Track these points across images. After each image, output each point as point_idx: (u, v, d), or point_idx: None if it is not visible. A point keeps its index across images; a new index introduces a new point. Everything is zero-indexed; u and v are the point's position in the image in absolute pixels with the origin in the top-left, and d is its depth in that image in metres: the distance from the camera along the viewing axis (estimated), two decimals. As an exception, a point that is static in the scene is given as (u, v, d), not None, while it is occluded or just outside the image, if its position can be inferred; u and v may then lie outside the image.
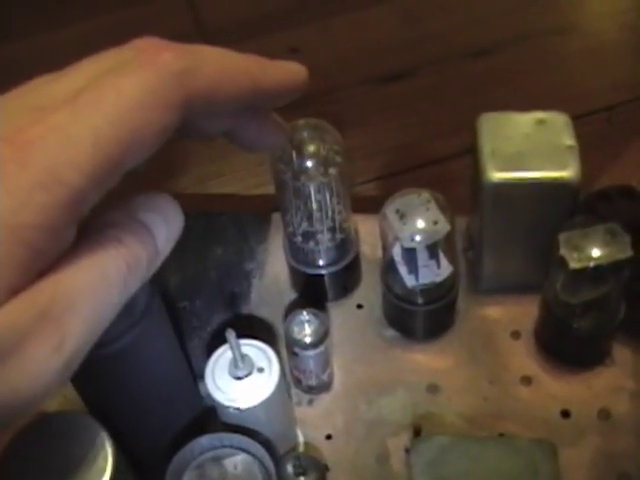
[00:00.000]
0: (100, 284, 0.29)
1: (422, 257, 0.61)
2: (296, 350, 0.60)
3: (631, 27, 1.10)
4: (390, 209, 0.60)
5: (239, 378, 0.53)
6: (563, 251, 0.57)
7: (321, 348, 0.60)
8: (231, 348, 0.52)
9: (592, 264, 0.56)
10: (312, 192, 0.61)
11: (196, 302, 0.71)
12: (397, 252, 0.62)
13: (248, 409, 0.52)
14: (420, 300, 0.64)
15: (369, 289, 0.69)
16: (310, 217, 0.62)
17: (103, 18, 1.14)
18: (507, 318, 0.67)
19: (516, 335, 0.66)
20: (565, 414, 0.62)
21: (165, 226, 0.33)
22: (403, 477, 0.59)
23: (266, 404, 0.52)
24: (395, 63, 1.01)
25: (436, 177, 0.85)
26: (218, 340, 0.55)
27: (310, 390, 0.64)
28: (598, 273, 0.57)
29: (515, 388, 0.64)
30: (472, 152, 0.63)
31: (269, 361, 0.54)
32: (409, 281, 0.62)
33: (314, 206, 0.62)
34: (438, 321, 0.66)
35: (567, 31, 1.08)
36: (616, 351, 0.64)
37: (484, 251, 0.65)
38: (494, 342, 0.66)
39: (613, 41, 1.08)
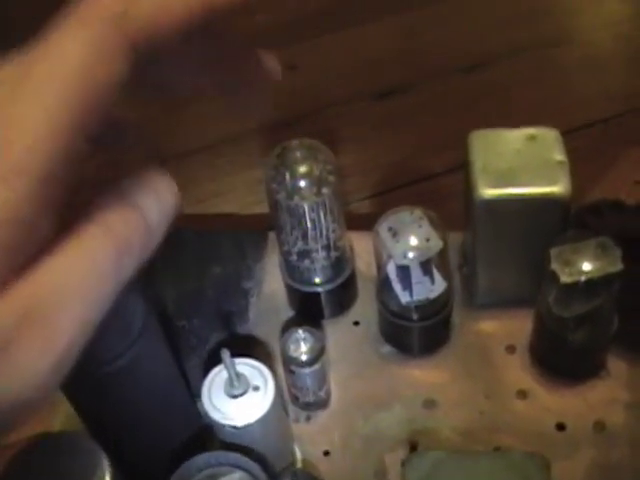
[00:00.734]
0: (89, 275, 0.27)
1: (416, 274, 0.61)
2: (293, 368, 0.61)
3: (625, 38, 1.11)
4: (383, 227, 0.61)
5: (235, 397, 0.54)
6: (554, 265, 0.57)
7: (317, 365, 0.61)
8: (226, 367, 0.53)
9: (583, 278, 0.57)
10: (306, 211, 0.61)
11: (194, 321, 0.72)
12: (391, 269, 0.63)
13: (244, 427, 0.53)
14: (415, 316, 0.64)
15: (365, 306, 0.70)
16: (305, 236, 0.63)
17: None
18: (502, 332, 0.68)
19: (511, 349, 0.67)
20: (560, 427, 0.62)
21: (157, 204, 0.30)
22: (400, 492, 0.59)
23: (262, 422, 0.53)
24: (390, 79, 1.02)
25: (431, 193, 0.86)
26: (215, 359, 0.56)
27: (307, 407, 0.65)
28: (590, 287, 0.58)
29: (511, 402, 0.64)
30: (464, 169, 0.64)
31: (264, 379, 0.54)
32: (404, 298, 0.63)
33: (308, 225, 0.62)
34: (433, 336, 0.67)
35: (562, 43, 1.09)
36: (610, 363, 0.65)
37: (478, 266, 0.66)
38: (489, 356, 0.67)
39: (608, 52, 1.09)
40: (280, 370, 0.64)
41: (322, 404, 0.65)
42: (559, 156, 0.62)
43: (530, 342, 0.66)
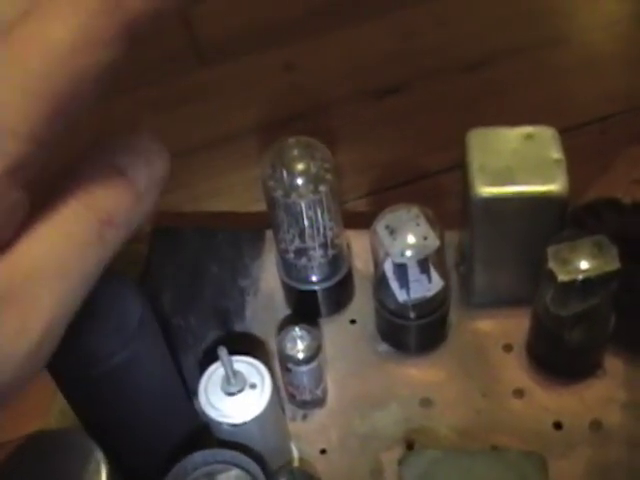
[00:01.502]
0: (69, 251, 0.26)
1: (413, 272, 0.61)
2: (289, 366, 0.61)
3: (624, 38, 1.11)
4: (380, 225, 0.61)
5: (232, 394, 0.54)
6: (551, 264, 0.57)
7: (314, 364, 0.61)
8: (223, 365, 0.53)
9: (580, 277, 0.57)
10: (303, 209, 0.61)
11: (190, 319, 0.71)
12: (388, 267, 0.63)
13: (241, 425, 0.53)
14: (412, 315, 0.64)
15: (362, 304, 0.70)
16: (302, 234, 0.63)
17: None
18: (499, 331, 0.68)
19: (508, 348, 0.67)
20: (557, 426, 0.62)
21: (146, 168, 0.28)
22: (397, 491, 0.59)
23: (259, 420, 0.53)
24: (388, 78, 1.02)
25: (428, 192, 0.86)
26: (212, 357, 0.56)
27: (304, 405, 0.65)
28: (587, 285, 0.58)
29: (507, 401, 0.64)
30: (462, 167, 0.64)
31: (261, 377, 0.54)
32: (400, 296, 0.63)
33: (305, 223, 0.62)
34: (430, 335, 0.67)
35: (560, 43, 1.09)
36: (607, 362, 0.65)
37: (475, 265, 0.66)
38: (486, 355, 0.67)
39: (606, 52, 1.09)
40: (276, 368, 0.63)
41: (319, 402, 0.65)
42: (556, 154, 0.62)
43: (527, 341, 0.66)
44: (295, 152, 0.60)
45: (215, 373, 0.55)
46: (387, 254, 0.61)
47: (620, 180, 0.70)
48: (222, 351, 0.52)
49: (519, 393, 0.64)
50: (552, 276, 0.57)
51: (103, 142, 0.28)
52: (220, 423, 0.53)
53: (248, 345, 0.68)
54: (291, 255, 0.65)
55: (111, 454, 0.50)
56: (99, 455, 0.49)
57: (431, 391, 0.65)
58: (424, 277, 0.62)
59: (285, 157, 0.60)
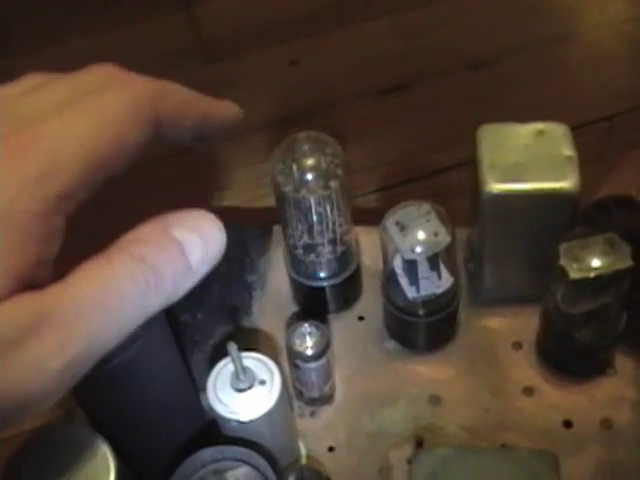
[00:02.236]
0: (112, 295, 0.30)
1: (423, 269, 0.61)
2: (298, 362, 0.60)
3: (630, 37, 1.11)
4: (390, 221, 0.60)
5: (241, 391, 0.53)
6: (563, 261, 0.57)
7: (323, 360, 0.60)
8: (232, 361, 0.52)
9: (592, 274, 0.56)
10: (313, 205, 0.61)
11: (197, 316, 0.71)
12: (398, 264, 0.62)
13: (250, 422, 0.52)
14: (421, 312, 0.64)
15: (370, 301, 0.70)
16: (311, 230, 0.63)
17: (106, 34, 1.14)
18: (508, 329, 0.67)
19: (517, 346, 0.66)
20: (567, 424, 0.62)
21: (202, 245, 0.32)
22: (405, 489, 0.59)
23: (268, 416, 0.53)
24: (395, 75, 1.01)
25: (436, 188, 0.85)
26: (220, 353, 0.55)
27: (312, 402, 0.64)
28: (598, 283, 0.57)
29: (517, 399, 0.64)
30: (472, 164, 0.63)
31: (271, 373, 0.54)
32: (410, 293, 0.62)
33: (315, 219, 0.62)
34: (439, 332, 0.66)
35: (566, 41, 1.08)
36: (618, 361, 0.64)
37: (484, 262, 0.65)
38: (495, 353, 0.66)
39: (613, 51, 1.09)
40: (284, 365, 0.63)
41: (327, 399, 0.64)
42: (568, 151, 0.61)
43: (536, 339, 0.66)
44: (306, 147, 0.60)
45: (224, 369, 0.54)
46: (397, 250, 0.61)
47: (631, 179, 0.69)
48: (232, 347, 0.51)
49: (528, 391, 0.64)
50: (563, 273, 0.57)
51: (167, 214, 0.33)
52: (229, 420, 0.52)
53: (255, 341, 0.68)
54: (300, 251, 0.65)
55: (118, 450, 0.49)
56: (107, 450, 0.48)
57: (440, 389, 0.65)
58: (434, 274, 0.62)
59: (295, 152, 0.60)
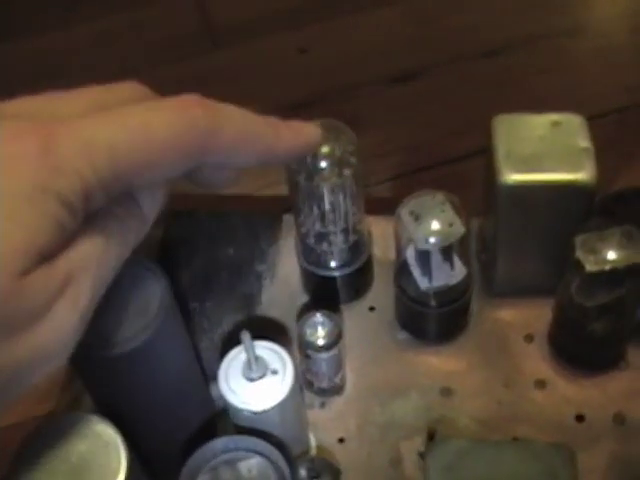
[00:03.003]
0: (104, 250, 0.35)
1: (436, 259, 0.60)
2: (309, 352, 0.60)
3: (640, 30, 1.10)
4: (405, 211, 0.59)
5: (253, 380, 0.52)
6: (579, 253, 0.56)
7: (334, 351, 0.60)
8: (245, 350, 0.51)
9: (608, 267, 0.56)
10: (326, 193, 0.60)
11: (206, 303, 0.70)
12: (411, 254, 0.61)
13: (262, 412, 0.52)
14: (433, 302, 0.63)
15: (381, 291, 0.69)
16: (323, 218, 0.62)
17: (113, 18, 1.14)
18: (521, 321, 0.67)
19: (530, 338, 0.66)
20: (579, 418, 0.61)
21: (150, 196, 0.38)
22: (416, 481, 0.58)
23: (280, 407, 0.52)
24: (407, 63, 1.00)
25: (448, 178, 0.85)
26: (229, 342, 0.55)
27: (322, 393, 0.64)
28: (614, 276, 0.57)
29: (529, 392, 0.63)
30: (487, 154, 0.62)
31: (283, 363, 0.53)
32: (422, 283, 0.61)
33: (327, 207, 0.61)
34: (451, 324, 0.66)
35: (578, 33, 1.08)
36: (631, 355, 0.64)
37: (498, 253, 0.65)
38: (508, 345, 0.66)
39: (625, 43, 1.08)
40: (294, 354, 0.62)
41: (337, 390, 0.64)
42: (584, 142, 0.60)
43: (549, 331, 0.65)
44: (319, 134, 0.59)
45: (236, 358, 0.53)
46: (410, 240, 0.60)
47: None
48: (245, 336, 0.50)
49: (541, 384, 0.63)
50: (579, 266, 0.56)
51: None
52: (241, 410, 0.52)
53: (265, 330, 0.67)
54: (312, 240, 0.64)
55: (129, 439, 0.49)
56: (118, 439, 0.48)
57: (451, 380, 0.64)
58: (447, 265, 0.61)
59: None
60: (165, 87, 0.36)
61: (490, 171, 0.61)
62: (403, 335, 0.67)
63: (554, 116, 0.62)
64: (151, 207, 0.38)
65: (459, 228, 0.59)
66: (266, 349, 0.54)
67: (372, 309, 0.69)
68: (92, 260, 0.34)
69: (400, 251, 0.63)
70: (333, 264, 0.66)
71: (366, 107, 0.94)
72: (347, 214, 0.62)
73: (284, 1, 1.14)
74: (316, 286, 0.68)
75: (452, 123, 0.91)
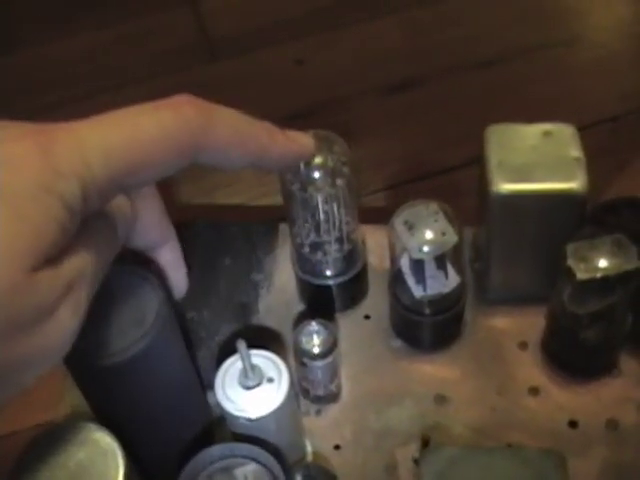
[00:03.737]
0: (96, 261, 0.36)
1: (430, 268, 0.61)
2: (305, 360, 0.61)
3: (636, 38, 1.11)
4: (398, 220, 0.60)
5: (249, 388, 0.53)
6: (570, 262, 0.57)
7: (330, 359, 0.61)
8: (241, 358, 0.52)
9: (599, 275, 0.57)
10: (320, 203, 0.61)
11: (204, 313, 0.71)
12: (405, 263, 0.62)
13: (258, 419, 0.52)
14: (428, 311, 0.64)
15: (376, 300, 0.70)
16: (318, 228, 0.63)
17: (112, 29, 1.14)
18: (514, 329, 0.67)
19: (523, 346, 0.66)
20: (573, 424, 0.62)
21: (123, 217, 0.40)
22: (411, 487, 0.59)
23: (276, 414, 0.53)
24: (401, 73, 1.01)
25: (442, 187, 0.86)
26: (226, 350, 0.55)
27: (318, 400, 0.64)
28: (605, 284, 0.57)
29: (523, 399, 0.64)
30: (479, 164, 0.63)
31: (279, 371, 0.54)
32: (417, 292, 0.62)
33: (322, 217, 0.62)
34: (445, 332, 0.67)
35: (573, 42, 1.08)
36: (623, 362, 0.64)
37: (491, 262, 0.66)
38: (501, 353, 0.66)
39: (619, 52, 1.09)
40: (290, 363, 0.63)
41: (332, 398, 0.65)
42: (575, 152, 0.61)
43: (542, 339, 0.66)
44: (313, 145, 0.60)
45: (232, 366, 0.54)
46: (404, 249, 0.61)
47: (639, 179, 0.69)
48: (241, 344, 0.51)
49: (534, 391, 0.64)
50: (570, 274, 0.57)
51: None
52: (237, 417, 0.52)
53: (262, 339, 0.68)
54: (306, 249, 0.65)
55: (126, 447, 0.49)
56: (116, 447, 0.48)
57: (446, 388, 0.65)
58: (441, 273, 0.62)
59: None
60: (164, 98, 0.37)
61: (482, 181, 0.62)
62: (398, 343, 0.68)
63: (546, 126, 0.63)
64: (123, 224, 0.41)
65: (452, 237, 0.59)
66: (262, 357, 0.54)
67: (367, 317, 0.70)
68: (88, 269, 0.35)
69: (394, 260, 0.64)
70: (328, 273, 0.67)
71: (362, 118, 0.95)
72: (341, 223, 0.63)
73: (281, 13, 1.15)
74: (312, 295, 0.69)
75: (448, 133, 0.92)
